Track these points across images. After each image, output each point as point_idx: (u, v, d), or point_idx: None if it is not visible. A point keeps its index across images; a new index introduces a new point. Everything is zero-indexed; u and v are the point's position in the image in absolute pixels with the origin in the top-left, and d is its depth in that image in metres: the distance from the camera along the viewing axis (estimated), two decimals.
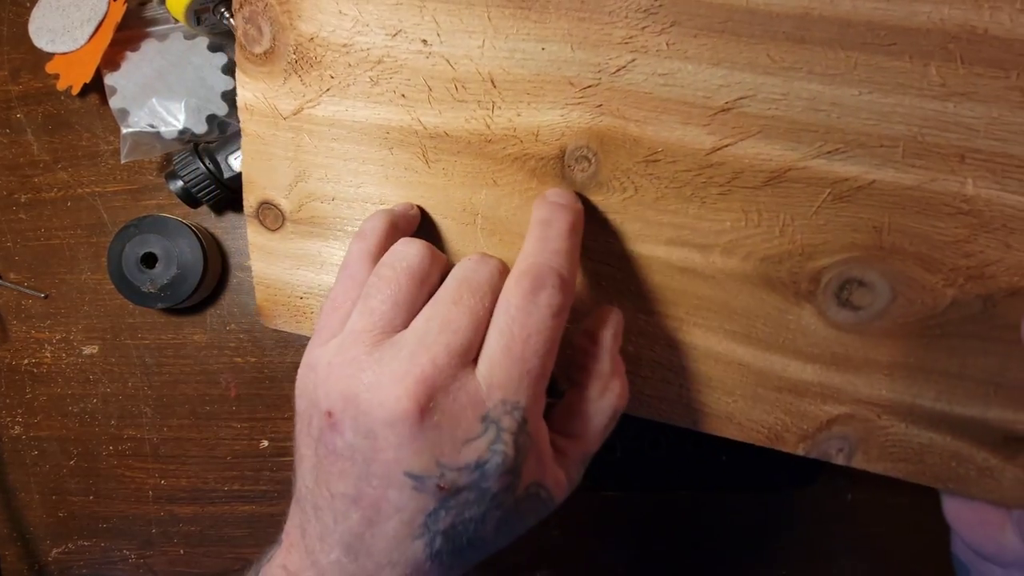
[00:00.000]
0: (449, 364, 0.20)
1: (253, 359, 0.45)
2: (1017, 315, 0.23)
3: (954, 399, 0.25)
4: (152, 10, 0.41)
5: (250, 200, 0.31)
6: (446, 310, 0.22)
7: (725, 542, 0.44)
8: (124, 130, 0.41)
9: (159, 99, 0.40)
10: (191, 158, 0.39)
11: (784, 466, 0.39)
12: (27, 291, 0.46)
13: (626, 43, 0.24)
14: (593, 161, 0.25)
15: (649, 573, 0.45)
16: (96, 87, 0.42)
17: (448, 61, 0.26)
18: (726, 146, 0.24)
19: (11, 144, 0.45)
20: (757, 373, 0.26)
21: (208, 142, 0.41)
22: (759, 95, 0.23)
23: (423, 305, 0.22)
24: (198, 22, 0.39)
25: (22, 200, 0.46)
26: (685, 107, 0.24)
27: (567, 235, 0.23)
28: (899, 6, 0.21)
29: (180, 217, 0.43)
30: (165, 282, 0.42)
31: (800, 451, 0.27)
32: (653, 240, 0.26)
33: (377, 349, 0.21)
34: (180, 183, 0.40)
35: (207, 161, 0.39)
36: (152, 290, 0.42)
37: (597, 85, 0.24)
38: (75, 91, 0.41)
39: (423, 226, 0.28)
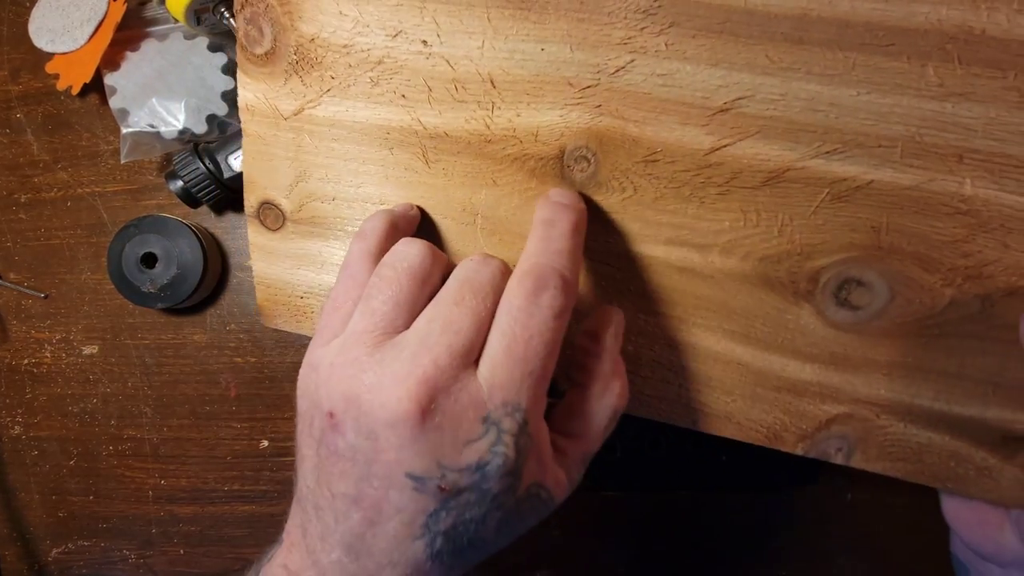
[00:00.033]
0: (451, 365, 0.20)
1: (253, 359, 0.45)
2: (1015, 315, 0.23)
3: (952, 399, 0.25)
4: (152, 10, 0.41)
5: (251, 200, 0.31)
6: (448, 311, 0.21)
7: (725, 542, 0.44)
8: (124, 130, 0.41)
9: (159, 99, 0.40)
10: (191, 158, 0.39)
11: (784, 466, 0.39)
12: (27, 291, 0.46)
13: (625, 44, 0.24)
14: (592, 161, 0.26)
15: (649, 573, 0.45)
16: (96, 87, 0.42)
17: (448, 62, 0.26)
18: (725, 146, 0.24)
19: (11, 144, 0.45)
20: (756, 373, 0.26)
21: (208, 142, 0.41)
22: (757, 95, 0.23)
23: (425, 305, 0.22)
24: (198, 22, 0.39)
25: (22, 200, 0.46)
26: (684, 107, 0.24)
27: (570, 235, 0.23)
28: (897, 7, 0.21)
29: (180, 217, 0.43)
30: (165, 282, 0.42)
31: (799, 451, 0.27)
32: (652, 240, 0.26)
33: (379, 350, 0.21)
34: (180, 183, 0.40)
35: (207, 161, 0.39)
36: (152, 290, 0.42)
37: (596, 86, 0.24)
38: (75, 91, 0.41)
39: (423, 226, 0.28)
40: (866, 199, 0.23)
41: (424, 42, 0.26)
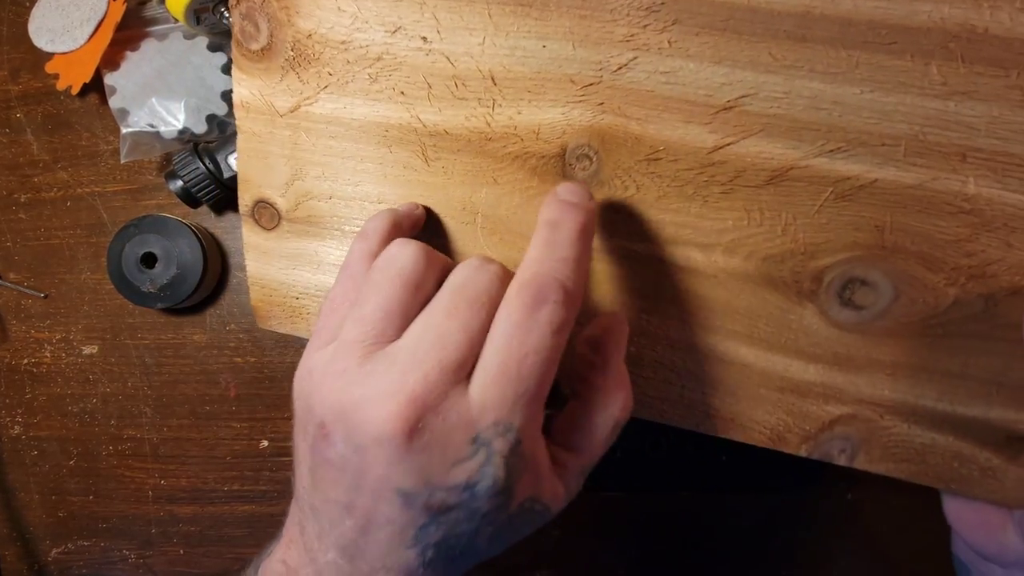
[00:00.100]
0: (441, 381, 0.20)
1: (253, 359, 0.45)
2: (1019, 314, 0.23)
3: (956, 399, 0.25)
4: (152, 10, 0.41)
5: (245, 199, 0.31)
6: (439, 323, 0.21)
7: (725, 542, 0.44)
8: (124, 130, 0.41)
9: (159, 99, 0.40)
10: (191, 158, 0.39)
11: (785, 467, 0.39)
12: (27, 291, 0.46)
13: (628, 41, 0.23)
14: (594, 159, 0.25)
15: (649, 573, 0.45)
16: (96, 87, 0.42)
17: (448, 58, 0.25)
18: (728, 145, 0.24)
19: (11, 144, 0.45)
20: (759, 373, 0.26)
21: (208, 142, 0.41)
22: (761, 93, 0.23)
23: (418, 312, 0.22)
24: (198, 22, 0.39)
25: (22, 200, 0.46)
26: (687, 105, 0.24)
27: (576, 240, 0.22)
28: (900, 5, 0.21)
29: (180, 217, 0.42)
30: (165, 282, 0.42)
31: (802, 452, 0.27)
32: (654, 239, 0.26)
33: (369, 361, 0.21)
34: (180, 183, 0.40)
35: (207, 161, 0.39)
36: (152, 290, 0.42)
37: (598, 83, 0.24)
38: (75, 91, 0.41)
39: (425, 225, 0.28)
40: (870, 198, 0.23)
41: (424, 38, 0.25)
